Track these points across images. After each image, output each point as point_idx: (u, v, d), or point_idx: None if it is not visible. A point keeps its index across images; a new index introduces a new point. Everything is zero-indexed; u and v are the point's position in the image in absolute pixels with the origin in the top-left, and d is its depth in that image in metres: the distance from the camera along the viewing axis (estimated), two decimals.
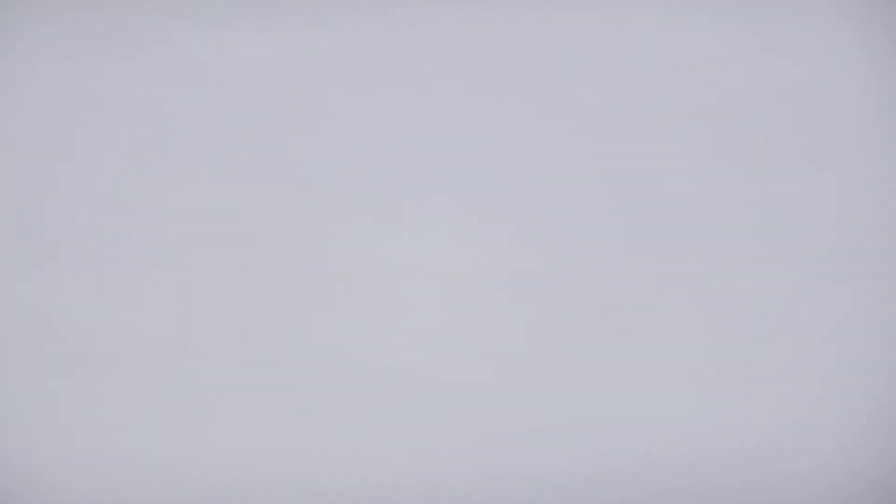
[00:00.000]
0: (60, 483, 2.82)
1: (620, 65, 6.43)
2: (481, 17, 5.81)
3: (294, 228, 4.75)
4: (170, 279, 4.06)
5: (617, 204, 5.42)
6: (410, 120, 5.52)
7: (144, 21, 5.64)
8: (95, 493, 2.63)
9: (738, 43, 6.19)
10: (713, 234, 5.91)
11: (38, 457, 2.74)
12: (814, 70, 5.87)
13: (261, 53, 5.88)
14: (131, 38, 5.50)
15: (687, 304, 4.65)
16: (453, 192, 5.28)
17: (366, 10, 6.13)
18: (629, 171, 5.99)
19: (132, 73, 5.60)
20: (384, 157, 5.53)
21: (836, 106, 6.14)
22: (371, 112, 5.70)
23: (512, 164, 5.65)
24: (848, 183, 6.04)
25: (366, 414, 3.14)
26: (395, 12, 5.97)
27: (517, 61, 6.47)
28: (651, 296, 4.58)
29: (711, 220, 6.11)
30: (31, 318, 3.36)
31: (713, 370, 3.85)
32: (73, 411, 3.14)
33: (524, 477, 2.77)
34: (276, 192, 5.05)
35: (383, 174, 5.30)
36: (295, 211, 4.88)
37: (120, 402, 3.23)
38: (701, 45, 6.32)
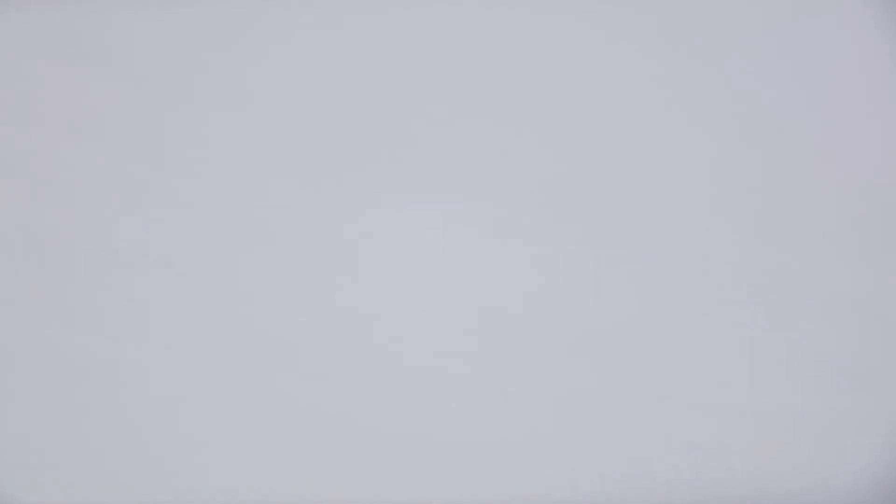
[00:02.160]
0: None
1: (626, 56, 6.11)
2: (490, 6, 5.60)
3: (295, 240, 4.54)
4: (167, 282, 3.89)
5: (615, 220, 5.18)
6: (416, 108, 5.29)
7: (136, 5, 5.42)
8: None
9: (748, 33, 5.90)
10: (717, 241, 5.61)
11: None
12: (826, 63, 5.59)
13: (264, 37, 5.65)
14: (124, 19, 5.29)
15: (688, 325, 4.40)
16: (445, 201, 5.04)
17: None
18: (633, 183, 5.72)
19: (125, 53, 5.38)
20: (382, 160, 5.32)
21: (848, 99, 5.82)
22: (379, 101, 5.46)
23: (509, 180, 5.43)
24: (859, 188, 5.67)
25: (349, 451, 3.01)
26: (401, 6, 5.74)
27: (522, 52, 6.22)
28: (652, 322, 4.36)
29: (715, 225, 5.81)
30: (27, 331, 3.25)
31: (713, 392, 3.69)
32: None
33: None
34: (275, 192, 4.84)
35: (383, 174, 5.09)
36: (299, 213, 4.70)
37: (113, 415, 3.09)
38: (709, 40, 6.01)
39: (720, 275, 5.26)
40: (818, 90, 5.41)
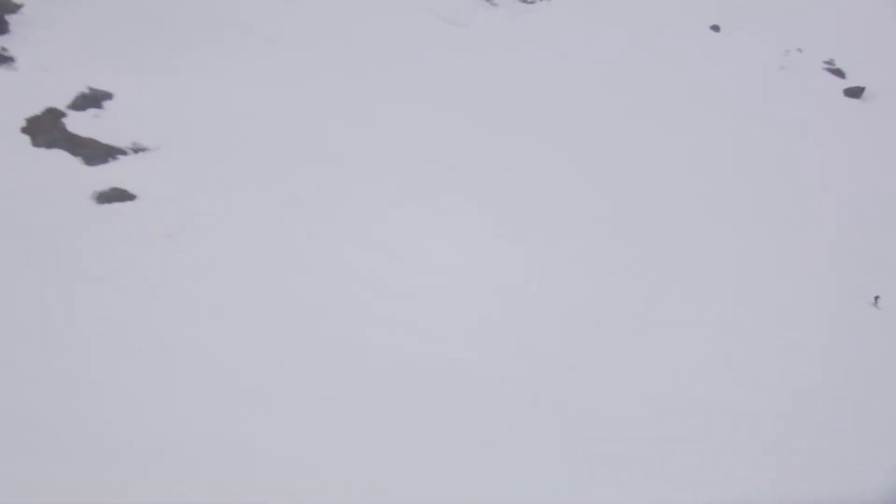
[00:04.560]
0: None
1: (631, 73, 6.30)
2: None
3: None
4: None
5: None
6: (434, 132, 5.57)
7: None
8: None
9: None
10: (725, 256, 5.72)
11: None
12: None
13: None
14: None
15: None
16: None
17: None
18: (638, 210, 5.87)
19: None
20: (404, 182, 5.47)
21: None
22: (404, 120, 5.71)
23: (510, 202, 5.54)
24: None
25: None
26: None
27: (531, 75, 6.39)
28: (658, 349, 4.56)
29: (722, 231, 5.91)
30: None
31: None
32: None
33: None
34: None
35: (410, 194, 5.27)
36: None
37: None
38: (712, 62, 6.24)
39: (721, 295, 5.32)
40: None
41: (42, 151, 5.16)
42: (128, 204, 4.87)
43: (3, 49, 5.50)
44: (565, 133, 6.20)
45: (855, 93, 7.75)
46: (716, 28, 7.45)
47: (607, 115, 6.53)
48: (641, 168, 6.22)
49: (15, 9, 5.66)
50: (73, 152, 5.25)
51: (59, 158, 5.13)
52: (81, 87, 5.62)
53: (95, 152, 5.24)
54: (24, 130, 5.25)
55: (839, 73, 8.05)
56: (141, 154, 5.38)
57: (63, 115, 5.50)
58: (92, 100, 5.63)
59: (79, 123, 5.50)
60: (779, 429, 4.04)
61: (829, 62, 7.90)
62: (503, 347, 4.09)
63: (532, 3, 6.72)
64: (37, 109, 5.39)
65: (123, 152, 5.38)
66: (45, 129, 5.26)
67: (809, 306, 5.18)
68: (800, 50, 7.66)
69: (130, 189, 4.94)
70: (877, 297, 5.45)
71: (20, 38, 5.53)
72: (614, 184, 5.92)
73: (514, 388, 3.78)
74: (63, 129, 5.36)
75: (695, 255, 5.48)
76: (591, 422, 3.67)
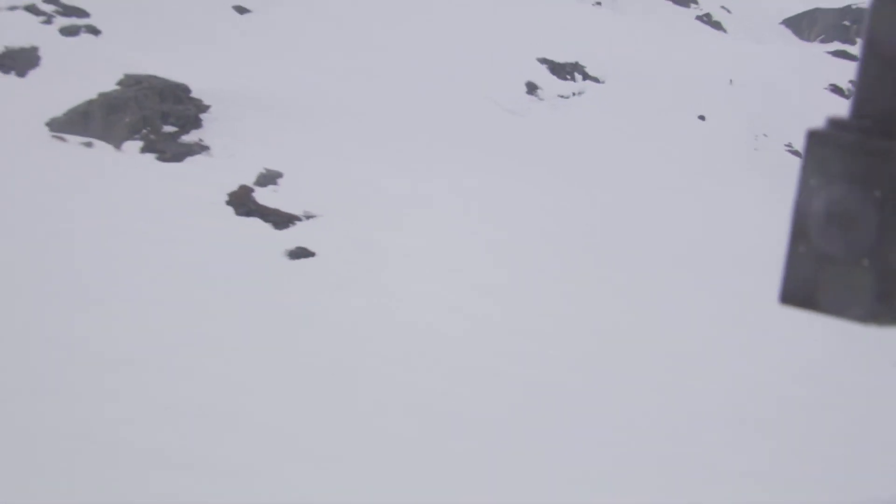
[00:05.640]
0: None
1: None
2: None
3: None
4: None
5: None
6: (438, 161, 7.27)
7: None
8: None
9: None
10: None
11: None
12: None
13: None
14: None
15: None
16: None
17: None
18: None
19: None
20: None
21: None
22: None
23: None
24: None
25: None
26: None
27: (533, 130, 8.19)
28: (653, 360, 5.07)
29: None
30: None
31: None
32: None
33: None
34: None
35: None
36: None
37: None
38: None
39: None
40: None
41: (243, 219, 6.58)
42: (311, 259, 6.28)
43: (201, 140, 6.94)
44: (582, 177, 7.56)
45: None
46: (702, 117, 9.39)
47: (613, 166, 7.95)
48: (634, 208, 7.38)
49: (205, 108, 7.11)
50: (265, 219, 6.71)
51: (256, 224, 6.55)
52: (260, 169, 7.06)
53: (280, 219, 6.71)
54: (227, 203, 6.72)
55: (798, 154, 10.04)
56: (312, 220, 6.83)
57: (252, 190, 6.94)
58: (270, 178, 7.09)
59: (264, 196, 6.90)
60: (779, 437, 4.31)
61: (789, 145, 9.92)
62: (507, 355, 4.69)
63: (567, 98, 8.58)
64: (233, 186, 6.82)
65: (299, 219, 6.82)
66: (242, 202, 6.73)
67: (794, 330, 5.49)
68: (765, 135, 9.63)
69: (310, 248, 6.39)
70: None
71: (211, 131, 6.94)
72: (608, 231, 7.12)
73: (516, 387, 4.30)
74: (254, 202, 6.82)
75: (679, 300, 6.18)
76: (592, 421, 4.07)
